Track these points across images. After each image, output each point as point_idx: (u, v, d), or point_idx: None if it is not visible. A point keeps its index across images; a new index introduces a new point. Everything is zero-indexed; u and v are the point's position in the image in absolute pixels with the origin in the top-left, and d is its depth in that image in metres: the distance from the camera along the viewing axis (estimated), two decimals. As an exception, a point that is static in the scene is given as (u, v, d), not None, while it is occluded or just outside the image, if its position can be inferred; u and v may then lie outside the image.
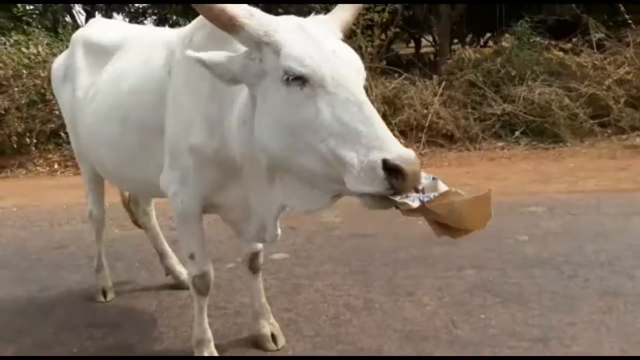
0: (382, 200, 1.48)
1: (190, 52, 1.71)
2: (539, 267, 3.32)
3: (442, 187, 1.55)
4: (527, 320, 2.71)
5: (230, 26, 1.63)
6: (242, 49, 1.74)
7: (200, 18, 2.12)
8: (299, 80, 1.55)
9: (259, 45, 1.64)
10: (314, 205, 1.77)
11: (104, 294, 3.23)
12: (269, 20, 1.67)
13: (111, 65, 2.60)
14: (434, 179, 1.55)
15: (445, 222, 1.53)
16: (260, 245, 2.58)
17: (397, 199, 1.46)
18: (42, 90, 7.82)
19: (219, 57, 1.69)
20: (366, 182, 1.45)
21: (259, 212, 2.07)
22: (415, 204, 1.46)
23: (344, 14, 1.86)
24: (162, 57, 2.24)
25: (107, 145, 2.49)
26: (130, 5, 14.09)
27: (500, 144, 7.32)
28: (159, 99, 2.18)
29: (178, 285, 3.30)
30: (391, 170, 1.42)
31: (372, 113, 1.52)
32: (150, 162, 2.30)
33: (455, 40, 12.57)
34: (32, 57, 8.20)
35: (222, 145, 1.98)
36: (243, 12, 1.63)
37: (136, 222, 3.49)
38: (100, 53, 2.72)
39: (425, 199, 1.47)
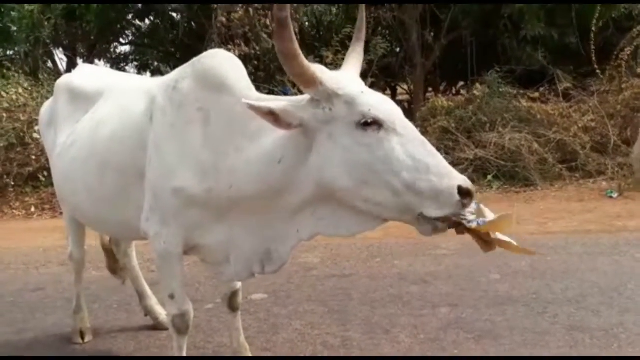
0: (446, 222, 1.74)
1: (251, 102, 1.83)
2: (510, 304, 3.43)
3: (487, 212, 1.80)
4: (499, 356, 2.79)
5: (312, 82, 1.80)
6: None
7: (183, 68, 2.26)
8: (375, 124, 1.75)
9: (330, 96, 1.80)
10: (359, 229, 1.95)
11: (82, 335, 3.22)
12: (334, 76, 1.87)
13: (92, 112, 2.66)
14: (476, 204, 1.79)
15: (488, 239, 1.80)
16: (239, 284, 2.63)
17: (463, 220, 1.74)
18: (22, 134, 7.84)
19: (283, 105, 1.83)
20: (445, 206, 1.70)
21: (253, 248, 2.13)
22: (474, 225, 1.75)
23: (359, 60, 2.07)
24: (143, 104, 2.32)
25: (85, 190, 2.52)
26: (112, 51, 14.31)
27: (473, 187, 7.52)
28: (140, 144, 2.25)
29: (157, 326, 3.30)
30: (463, 193, 1.69)
31: (433, 148, 1.78)
32: (129, 206, 2.34)
33: (430, 89, 12.95)
34: (12, 101, 8.25)
35: (217, 185, 2.06)
36: (319, 69, 1.84)
37: (111, 268, 3.47)
38: (83, 100, 2.77)
39: (481, 222, 1.76)
